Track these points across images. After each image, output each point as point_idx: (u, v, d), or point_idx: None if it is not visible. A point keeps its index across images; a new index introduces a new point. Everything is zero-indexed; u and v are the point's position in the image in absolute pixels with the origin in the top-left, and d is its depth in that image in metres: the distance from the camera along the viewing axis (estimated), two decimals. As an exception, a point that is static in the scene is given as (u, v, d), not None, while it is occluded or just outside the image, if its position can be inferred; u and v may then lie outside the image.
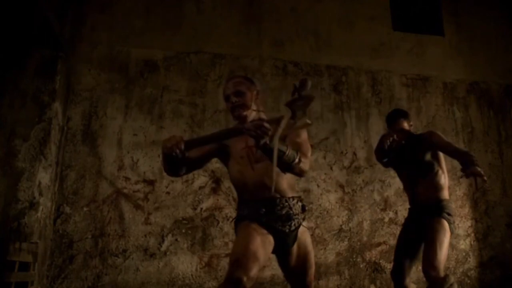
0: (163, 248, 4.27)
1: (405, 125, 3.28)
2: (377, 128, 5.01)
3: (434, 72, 5.37)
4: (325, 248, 4.57)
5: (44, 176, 3.82)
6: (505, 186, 5.17)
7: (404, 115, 3.36)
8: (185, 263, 4.28)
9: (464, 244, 4.90)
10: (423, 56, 5.44)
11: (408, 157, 3.20)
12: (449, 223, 2.94)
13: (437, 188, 3.06)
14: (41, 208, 3.73)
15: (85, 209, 4.20)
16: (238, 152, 2.19)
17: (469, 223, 5.00)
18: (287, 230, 2.09)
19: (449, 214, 2.97)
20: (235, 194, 4.48)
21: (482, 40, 5.63)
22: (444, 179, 3.10)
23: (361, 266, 4.61)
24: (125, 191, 4.33)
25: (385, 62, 5.29)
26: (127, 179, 4.37)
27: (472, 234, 4.95)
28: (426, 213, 3.01)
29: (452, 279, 2.65)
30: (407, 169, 3.24)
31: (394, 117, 3.34)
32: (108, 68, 4.61)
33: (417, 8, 5.65)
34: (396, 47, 5.38)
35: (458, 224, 4.97)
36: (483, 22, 5.70)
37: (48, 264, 3.97)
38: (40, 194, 3.75)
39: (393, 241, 4.58)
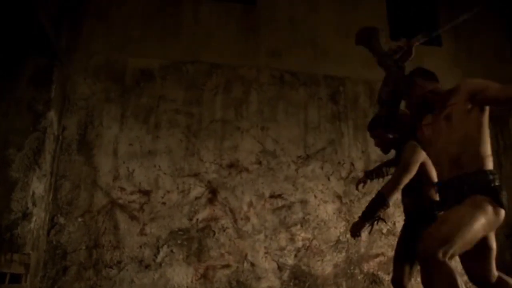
0: (159, 259, 4.21)
1: (385, 134, 3.18)
2: (375, 138, 4.98)
3: (432, 82, 5.35)
4: (322, 260, 4.51)
5: (38, 186, 3.77)
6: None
7: (380, 124, 3.26)
8: (181, 275, 4.22)
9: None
10: (421, 65, 5.40)
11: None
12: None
13: (424, 199, 2.97)
14: (34, 218, 3.68)
15: (79, 219, 4.15)
16: None
17: (467, 234, 4.94)
18: None
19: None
20: (231, 205, 4.47)
21: (479, 51, 5.63)
22: (431, 191, 3.01)
23: (359, 277, 4.55)
24: (120, 201, 4.29)
25: (382, 72, 5.23)
26: (122, 189, 4.32)
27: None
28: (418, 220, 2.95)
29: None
30: None
31: (371, 127, 3.26)
32: (104, 77, 4.59)
33: (414, 18, 5.65)
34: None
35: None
36: (480, 33, 5.70)
37: (41, 276, 3.91)
38: (34, 204, 3.70)
39: (391, 253, 4.54)
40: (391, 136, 3.15)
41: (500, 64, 5.59)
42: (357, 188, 3.21)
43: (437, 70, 5.41)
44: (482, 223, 2.07)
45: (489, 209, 2.09)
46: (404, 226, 3.17)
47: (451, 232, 2.05)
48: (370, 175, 3.32)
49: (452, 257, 2.03)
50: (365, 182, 3.23)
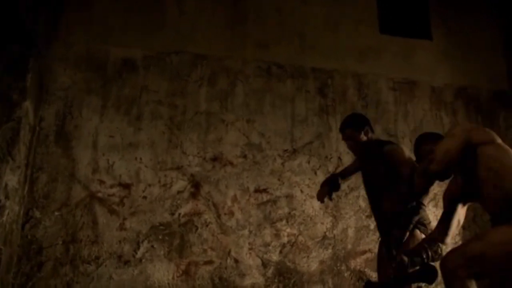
0: (139, 255, 4.08)
1: (357, 135, 3.01)
2: (363, 132, 4.88)
3: (422, 77, 5.26)
4: (308, 256, 4.39)
5: (12, 179, 3.62)
6: (493, 193, 5.04)
7: (352, 124, 3.07)
8: (162, 271, 4.08)
9: (452, 253, 4.75)
10: (411, 60, 5.33)
11: (369, 170, 3.02)
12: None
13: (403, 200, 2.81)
14: (7, 211, 3.53)
15: (56, 213, 4.00)
16: None
17: (456, 231, 4.84)
18: None
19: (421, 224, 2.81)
20: (215, 199, 4.34)
21: (470, 45, 5.53)
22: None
23: (346, 274, 4.44)
24: (99, 195, 4.14)
25: (371, 66, 5.17)
26: (101, 182, 4.18)
27: (460, 243, 4.81)
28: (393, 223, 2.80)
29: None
30: (369, 183, 3.04)
31: (341, 128, 3.13)
32: (85, 67, 4.44)
33: (405, 12, 5.54)
34: (383, 50, 5.26)
35: (445, 232, 4.83)
36: (472, 27, 5.61)
37: (14, 272, 3.76)
38: (7, 197, 3.54)
39: (378, 249, 4.43)
40: (364, 138, 2.99)
41: (492, 58, 5.50)
42: (322, 202, 3.29)
43: (427, 64, 5.36)
44: None
45: None
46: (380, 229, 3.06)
47: (481, 249, 1.96)
48: (331, 187, 3.26)
49: (476, 276, 1.93)
50: (330, 195, 3.18)
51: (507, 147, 2.15)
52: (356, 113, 3.38)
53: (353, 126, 3.02)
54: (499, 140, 2.17)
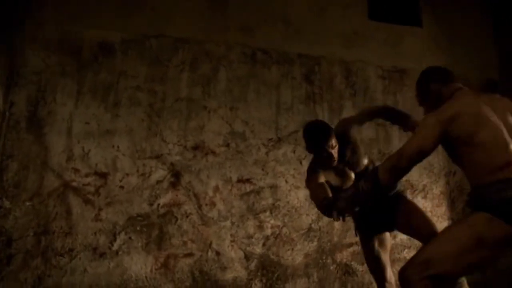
0: (115, 247, 3.89)
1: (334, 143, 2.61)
2: (351, 121, 4.72)
3: (412, 64, 5.10)
4: (292, 249, 4.24)
5: (-22, 166, 3.41)
6: (483, 185, 4.92)
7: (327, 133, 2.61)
8: (139, 264, 3.90)
9: (440, 245, 4.63)
10: (400, 47, 5.17)
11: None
12: None
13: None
14: (-28, 201, 3.32)
15: (27, 203, 3.79)
16: None
17: (446, 223, 4.73)
18: None
19: None
20: (196, 189, 4.16)
21: (461, 33, 5.39)
22: None
23: (331, 268, 4.29)
24: (74, 184, 3.94)
25: (360, 52, 5.00)
26: (76, 171, 3.97)
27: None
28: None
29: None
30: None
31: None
32: (59, 50, 4.21)
33: (394, -3, 5.38)
34: (371, 37, 5.10)
35: (434, 224, 4.71)
36: (462, 14, 5.47)
37: (-19, 264, 3.56)
38: (-28, 185, 3.33)
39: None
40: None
41: (482, 46, 5.37)
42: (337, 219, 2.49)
43: (417, 51, 5.19)
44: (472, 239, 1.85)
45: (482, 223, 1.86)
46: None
47: (429, 252, 1.93)
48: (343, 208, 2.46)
49: (434, 277, 1.84)
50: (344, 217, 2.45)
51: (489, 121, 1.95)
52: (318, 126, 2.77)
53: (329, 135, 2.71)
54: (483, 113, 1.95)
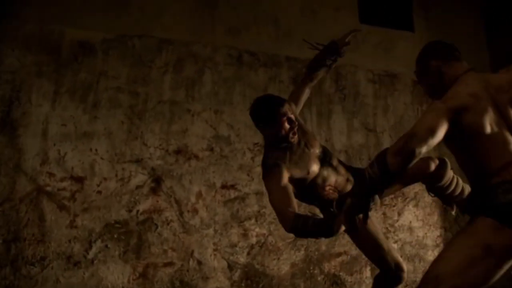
0: (90, 255, 3.69)
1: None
2: (340, 126, 4.58)
3: (403, 69, 4.97)
4: (278, 258, 4.05)
5: None
6: (476, 193, 4.78)
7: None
8: (116, 273, 3.70)
9: (433, 255, 4.45)
10: (392, 51, 5.05)
11: None
12: None
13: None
14: None
15: (-3, 208, 3.59)
16: None
17: (438, 233, 4.58)
18: None
19: None
20: (177, 195, 3.97)
21: (453, 38, 5.17)
22: None
23: (319, 278, 4.10)
24: (48, 188, 3.74)
25: (350, 56, 4.77)
26: (51, 175, 3.78)
27: (441, 245, 4.53)
28: None
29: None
30: None
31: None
32: (37, 48, 4.03)
33: (386, 1, 5.27)
34: (362, 41, 4.96)
35: (426, 234, 4.56)
36: (454, 19, 5.36)
37: None
38: None
39: (354, 251, 4.12)
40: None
41: (475, 51, 5.25)
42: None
43: (408, 56, 5.04)
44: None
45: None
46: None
47: (436, 269, 1.76)
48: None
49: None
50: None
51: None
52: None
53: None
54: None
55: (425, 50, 2.17)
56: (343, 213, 1.94)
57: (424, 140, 1.70)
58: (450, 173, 2.42)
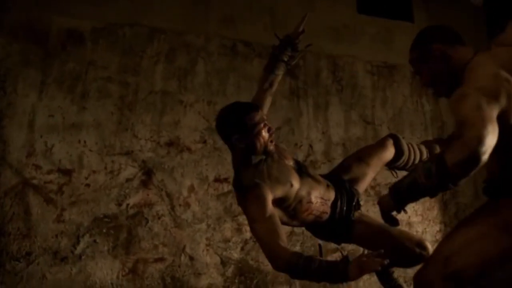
0: (78, 250, 3.56)
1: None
2: (337, 118, 4.46)
3: (402, 60, 4.80)
4: (273, 254, 3.93)
5: None
6: (476, 187, 4.66)
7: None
8: (104, 269, 3.57)
9: (432, 251, 4.36)
10: (390, 42, 4.93)
11: None
12: None
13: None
14: None
15: (-19, 202, 3.46)
16: None
17: (437, 228, 4.47)
18: None
19: None
20: (169, 189, 3.84)
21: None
22: None
23: (315, 275, 3.99)
24: (34, 181, 3.61)
25: (348, 47, 4.75)
26: (37, 167, 3.65)
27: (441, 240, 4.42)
28: None
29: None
30: None
31: None
32: (23, 37, 3.90)
33: (384, -10, 5.15)
34: (360, 31, 4.85)
35: (425, 229, 4.45)
36: (454, 11, 5.24)
37: None
38: None
39: (351, 246, 4.00)
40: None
41: (475, 42, 5.11)
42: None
43: (408, 47, 4.92)
44: None
45: None
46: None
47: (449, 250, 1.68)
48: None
49: (456, 278, 1.65)
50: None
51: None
52: None
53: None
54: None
55: (423, 33, 1.99)
56: (381, 212, 1.81)
57: (489, 144, 1.47)
58: (405, 145, 2.43)
